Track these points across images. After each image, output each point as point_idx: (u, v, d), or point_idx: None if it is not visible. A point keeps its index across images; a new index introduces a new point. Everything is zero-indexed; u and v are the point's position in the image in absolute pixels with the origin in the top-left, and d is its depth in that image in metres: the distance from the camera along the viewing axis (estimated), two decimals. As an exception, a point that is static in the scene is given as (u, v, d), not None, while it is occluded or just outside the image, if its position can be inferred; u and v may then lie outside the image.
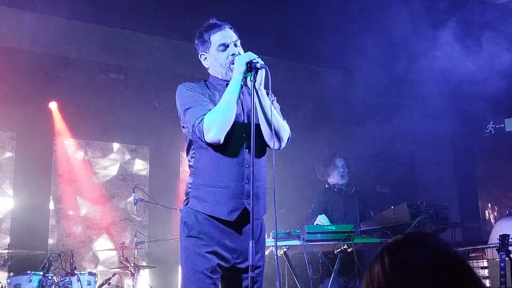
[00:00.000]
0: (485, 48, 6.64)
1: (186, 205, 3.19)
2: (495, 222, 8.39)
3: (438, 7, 6.39)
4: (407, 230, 5.22)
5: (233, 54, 3.24)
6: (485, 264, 6.23)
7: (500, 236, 5.32)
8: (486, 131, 8.06)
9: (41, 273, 5.81)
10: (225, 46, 3.27)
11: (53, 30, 6.92)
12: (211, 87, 3.30)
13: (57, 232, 7.77)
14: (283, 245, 5.15)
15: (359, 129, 7.82)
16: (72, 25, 7.04)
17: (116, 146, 8.42)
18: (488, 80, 6.68)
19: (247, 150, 3.14)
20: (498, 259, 5.38)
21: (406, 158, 7.86)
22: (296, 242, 5.13)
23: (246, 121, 3.21)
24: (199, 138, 3.11)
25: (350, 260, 5.24)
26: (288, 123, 3.35)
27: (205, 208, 3.11)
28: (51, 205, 7.78)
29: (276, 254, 3.63)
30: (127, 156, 8.48)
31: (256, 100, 3.09)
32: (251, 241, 2.87)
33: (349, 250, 5.27)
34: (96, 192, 8.10)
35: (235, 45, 3.29)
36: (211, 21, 3.38)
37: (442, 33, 6.61)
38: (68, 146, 7.99)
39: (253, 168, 2.95)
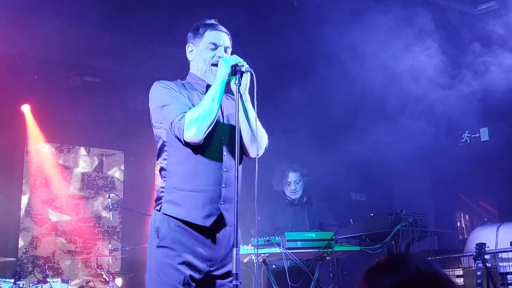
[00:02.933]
0: (461, 57, 6.72)
1: (159, 210, 3.00)
2: (469, 231, 8.49)
3: (413, 17, 6.44)
4: (387, 238, 5.20)
5: (219, 57, 3.16)
6: (461, 272, 6.28)
7: (476, 244, 5.37)
8: (461, 140, 8.15)
9: (12, 280, 5.67)
10: (216, 46, 3.20)
11: (27, 31, 6.78)
12: (189, 87, 3.20)
13: (28, 238, 7.59)
14: (263, 253, 5.10)
15: (335, 137, 7.83)
16: (47, 26, 6.90)
17: (90, 150, 8.29)
18: (464, 89, 6.75)
19: (225, 154, 3.05)
20: (474, 268, 5.44)
21: (382, 166, 7.88)
22: (276, 250, 5.08)
23: (226, 124, 3.13)
24: (177, 137, 2.98)
25: (330, 267, 5.22)
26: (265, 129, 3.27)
27: (180, 213, 2.95)
28: (22, 211, 7.60)
29: (257, 262, 3.59)
30: (102, 161, 8.35)
31: (240, 104, 2.99)
32: (235, 248, 2.77)
33: (328, 258, 5.25)
34: (69, 197, 7.95)
35: (225, 51, 3.22)
36: (212, 20, 3.30)
37: (418, 42, 6.66)
38: (41, 150, 7.84)
39: (237, 173, 2.88)
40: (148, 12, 6.81)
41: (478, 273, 5.31)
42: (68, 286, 5.97)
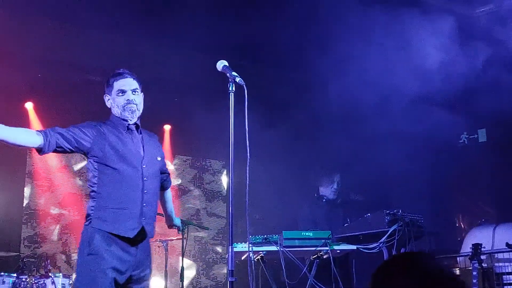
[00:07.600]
0: (459, 58, 6.74)
1: (88, 224, 3.61)
2: (467, 231, 8.51)
3: (410, 17, 6.47)
4: (383, 238, 5.26)
5: (128, 99, 3.82)
6: (457, 272, 6.33)
7: (472, 245, 5.41)
8: (459, 141, 8.17)
9: (15, 275, 5.75)
10: (123, 92, 3.84)
11: (32, 29, 6.86)
12: (111, 125, 3.83)
13: (31, 233, 7.66)
14: (260, 251, 5.17)
15: (334, 137, 7.88)
16: (52, 25, 6.97)
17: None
18: (463, 90, 6.78)
19: (145, 178, 3.74)
20: (470, 268, 5.48)
21: (380, 166, 7.90)
22: (273, 248, 5.16)
23: (146, 154, 3.81)
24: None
25: (327, 266, 5.28)
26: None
27: (108, 227, 3.57)
28: (25, 207, 7.67)
29: (251, 259, 3.65)
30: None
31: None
32: (230, 246, 3.34)
33: (325, 256, 5.31)
34: (72, 194, 8.01)
35: (133, 92, 3.86)
36: (117, 70, 3.94)
37: (417, 43, 6.69)
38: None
39: (232, 184, 3.33)
40: (153, 12, 6.86)
41: (474, 273, 5.35)
42: (69, 281, 6.03)
